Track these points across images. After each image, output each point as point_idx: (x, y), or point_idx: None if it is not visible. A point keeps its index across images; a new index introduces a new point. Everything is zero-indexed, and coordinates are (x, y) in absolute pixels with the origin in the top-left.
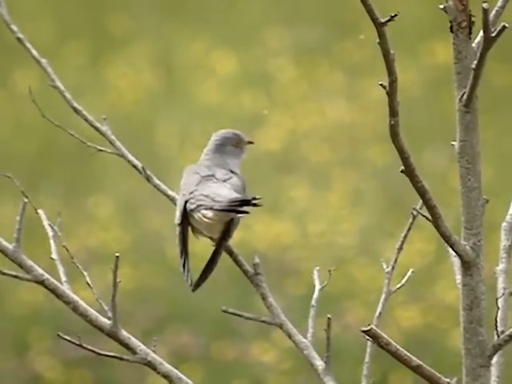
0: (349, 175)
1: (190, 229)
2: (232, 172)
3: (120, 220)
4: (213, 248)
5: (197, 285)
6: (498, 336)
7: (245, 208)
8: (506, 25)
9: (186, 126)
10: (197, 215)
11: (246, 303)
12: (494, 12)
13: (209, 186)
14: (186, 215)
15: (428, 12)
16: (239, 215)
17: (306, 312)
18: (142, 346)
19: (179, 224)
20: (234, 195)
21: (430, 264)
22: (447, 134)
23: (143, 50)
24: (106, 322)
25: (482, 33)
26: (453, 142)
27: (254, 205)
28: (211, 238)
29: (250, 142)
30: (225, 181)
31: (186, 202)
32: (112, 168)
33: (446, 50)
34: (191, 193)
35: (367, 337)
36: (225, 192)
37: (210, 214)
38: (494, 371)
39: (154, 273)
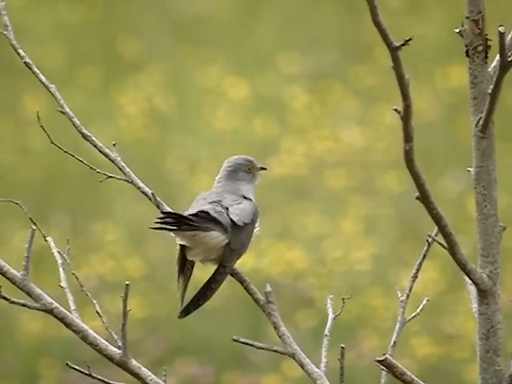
0: (363, 201)
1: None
2: (245, 198)
3: (130, 248)
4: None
5: (185, 311)
6: None
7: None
8: None
9: (197, 152)
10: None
11: (258, 332)
12: (510, 36)
13: (201, 208)
14: None
15: (444, 36)
16: (193, 233)
17: (319, 341)
18: (153, 376)
19: (180, 248)
20: (199, 214)
21: (444, 292)
22: (463, 159)
23: (155, 75)
24: (115, 351)
25: (498, 57)
26: (469, 168)
27: (181, 223)
28: (212, 264)
29: (263, 168)
30: (231, 206)
31: None
32: (122, 195)
33: (461, 74)
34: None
35: (382, 367)
36: (187, 212)
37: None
38: None
39: (165, 301)
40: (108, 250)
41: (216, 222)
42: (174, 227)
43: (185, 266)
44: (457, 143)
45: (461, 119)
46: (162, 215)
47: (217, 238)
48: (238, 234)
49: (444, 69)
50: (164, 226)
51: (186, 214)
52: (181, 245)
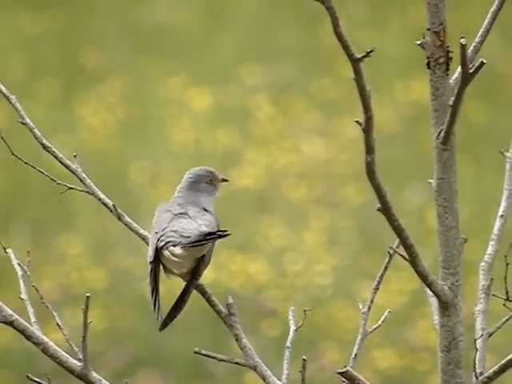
0: (325, 213)
1: (162, 267)
2: (205, 210)
3: (91, 259)
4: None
5: (164, 324)
6: (477, 378)
7: (211, 239)
8: (484, 61)
9: (159, 164)
10: (165, 252)
11: (220, 344)
12: (471, 47)
13: (179, 223)
14: (157, 253)
15: (404, 48)
16: (204, 247)
17: (282, 353)
18: None
19: (151, 262)
20: (202, 229)
21: (408, 304)
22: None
23: (116, 86)
24: (76, 363)
25: (459, 69)
26: (430, 180)
27: (220, 236)
28: (182, 277)
29: (225, 180)
30: (198, 218)
31: (158, 239)
32: (83, 206)
33: (423, 86)
34: (163, 230)
35: (343, 379)
36: (192, 226)
37: (177, 250)
38: None
39: (126, 313)
40: (70, 262)
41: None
42: (201, 244)
43: (157, 281)
44: (418, 155)
45: (422, 131)
46: (201, 236)
47: (205, 249)
48: (210, 247)
49: (405, 81)
50: (203, 242)
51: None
52: (154, 260)
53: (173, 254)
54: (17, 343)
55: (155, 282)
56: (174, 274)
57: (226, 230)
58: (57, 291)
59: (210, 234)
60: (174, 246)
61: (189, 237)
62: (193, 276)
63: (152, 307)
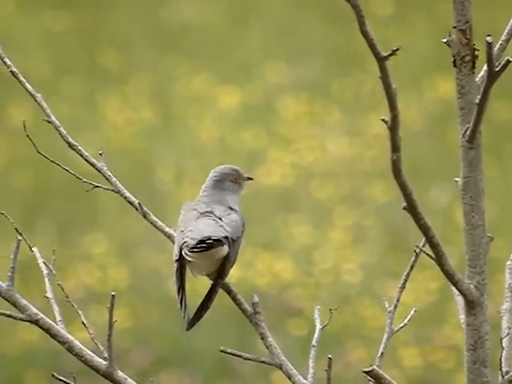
0: (350, 212)
1: (187, 266)
2: (231, 209)
3: (117, 258)
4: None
5: (191, 324)
6: (503, 377)
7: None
8: (511, 59)
9: (184, 162)
10: (183, 252)
11: (246, 343)
12: (498, 46)
13: (202, 223)
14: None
15: (431, 46)
16: (213, 251)
17: (307, 352)
18: None
19: (177, 260)
20: (207, 234)
21: (435, 303)
22: (451, 170)
23: (141, 85)
24: (101, 362)
25: (485, 67)
26: (456, 179)
27: (219, 241)
28: (208, 276)
29: (250, 178)
30: (223, 217)
31: (182, 238)
32: (108, 204)
33: (449, 84)
34: (186, 229)
35: (369, 377)
36: (212, 228)
37: (189, 253)
38: None
39: (152, 312)
40: (95, 261)
41: (225, 237)
42: (207, 249)
43: (183, 281)
44: (444, 153)
45: (448, 129)
46: (196, 244)
47: (225, 251)
48: (234, 245)
49: (431, 79)
50: (198, 249)
51: (207, 234)
52: (179, 259)
53: (187, 255)
54: (43, 342)
55: (181, 280)
56: (200, 272)
57: (219, 240)
58: (82, 290)
59: (210, 239)
60: (188, 248)
61: (194, 239)
62: (219, 275)
63: (178, 306)
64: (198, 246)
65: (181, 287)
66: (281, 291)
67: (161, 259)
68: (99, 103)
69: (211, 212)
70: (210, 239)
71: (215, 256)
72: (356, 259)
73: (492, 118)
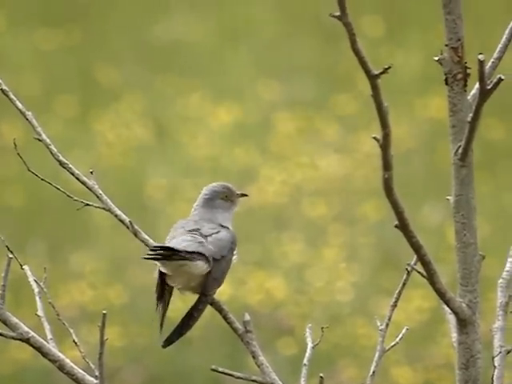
0: (343, 230)
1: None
2: (222, 226)
3: (108, 276)
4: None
5: (169, 341)
6: None
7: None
8: (503, 77)
9: (176, 180)
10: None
11: (238, 362)
12: (489, 64)
13: (182, 239)
14: None
15: (422, 65)
16: (180, 263)
17: (299, 370)
18: None
19: (158, 277)
20: (173, 245)
21: (427, 322)
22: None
23: (133, 103)
24: (92, 381)
25: (477, 85)
26: (448, 197)
27: (181, 253)
28: (195, 292)
29: (244, 195)
30: (210, 236)
31: None
32: (100, 223)
33: (441, 102)
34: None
35: None
36: (178, 243)
37: (159, 264)
38: None
39: (144, 330)
40: (87, 279)
41: (200, 253)
42: (165, 259)
43: (164, 294)
44: (436, 172)
45: (440, 148)
46: (153, 248)
47: (201, 267)
48: (219, 263)
49: (423, 98)
50: (155, 257)
51: (172, 245)
52: (160, 272)
53: (160, 267)
54: (34, 360)
55: (162, 295)
56: (185, 289)
57: (177, 250)
58: (74, 308)
59: (166, 248)
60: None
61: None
62: (202, 293)
63: (158, 324)
64: (153, 252)
65: (161, 302)
66: (273, 309)
67: (152, 277)
68: (91, 121)
69: (198, 230)
70: (171, 249)
71: (186, 270)
72: (348, 277)
73: (484, 136)
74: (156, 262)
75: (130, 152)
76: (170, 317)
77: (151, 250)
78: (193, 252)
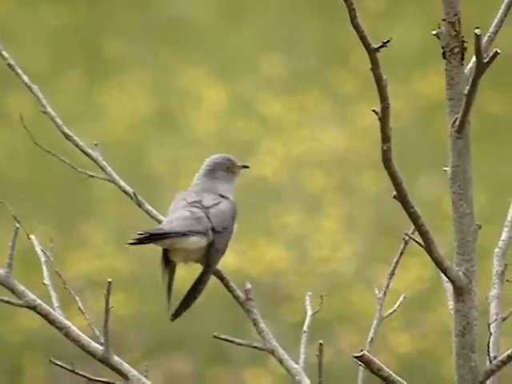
0: (342, 201)
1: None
2: (222, 196)
3: (113, 246)
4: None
5: (176, 314)
6: (491, 362)
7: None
8: (499, 51)
9: (180, 152)
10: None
11: (240, 329)
12: (486, 38)
13: (179, 215)
14: None
15: (422, 38)
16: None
17: (299, 337)
18: (134, 372)
19: (163, 250)
20: (166, 228)
21: (427, 290)
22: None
23: (137, 77)
24: (98, 347)
25: (474, 59)
26: (445, 168)
27: (156, 238)
28: (200, 264)
29: (245, 167)
30: (211, 206)
31: None
32: (106, 194)
33: (438, 76)
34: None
35: (359, 362)
36: (173, 223)
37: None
38: None
39: (148, 298)
40: (93, 249)
41: (194, 228)
42: (151, 241)
43: (168, 267)
44: (434, 144)
45: (438, 120)
46: (136, 236)
47: (197, 242)
48: (221, 234)
49: (421, 71)
50: (140, 241)
51: (163, 223)
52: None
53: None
54: (41, 328)
55: (165, 268)
56: (190, 261)
57: (156, 234)
58: (80, 277)
59: (149, 233)
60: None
61: (145, 232)
62: (206, 264)
63: (164, 297)
64: (137, 238)
65: (166, 275)
66: (274, 279)
67: (156, 247)
68: (97, 94)
69: (199, 201)
70: (156, 234)
71: (181, 247)
72: (348, 247)
73: (482, 108)
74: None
75: (134, 125)
76: (176, 287)
77: (134, 238)
78: (182, 229)
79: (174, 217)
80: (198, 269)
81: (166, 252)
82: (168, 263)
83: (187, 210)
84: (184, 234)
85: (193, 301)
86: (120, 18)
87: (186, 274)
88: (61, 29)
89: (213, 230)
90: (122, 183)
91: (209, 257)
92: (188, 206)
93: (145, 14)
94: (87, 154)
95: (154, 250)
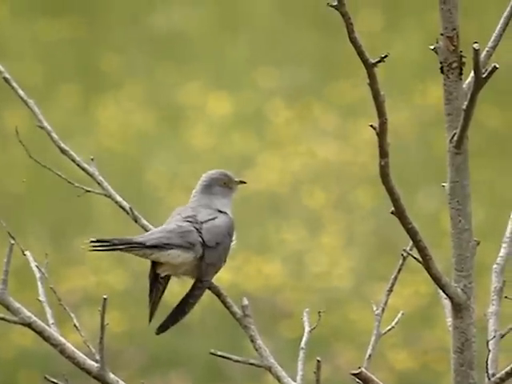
0: (340, 217)
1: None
2: (220, 212)
3: (109, 262)
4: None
5: (163, 327)
6: (489, 379)
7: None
8: (497, 65)
9: (176, 167)
10: None
11: (237, 346)
12: (484, 53)
13: (166, 227)
14: None
15: (420, 53)
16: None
17: (297, 354)
18: None
19: (151, 263)
20: (137, 238)
21: (425, 306)
22: (439, 175)
23: (134, 91)
24: (93, 364)
25: (472, 73)
26: (443, 184)
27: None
28: (193, 279)
29: (242, 182)
30: (205, 221)
31: None
32: (101, 209)
33: (437, 91)
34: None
35: (357, 380)
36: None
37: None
38: None
39: (144, 315)
40: (88, 265)
41: (173, 241)
42: (111, 248)
43: (156, 281)
44: (432, 159)
45: (436, 135)
46: (92, 240)
47: (177, 256)
48: (213, 249)
49: (420, 86)
50: (97, 248)
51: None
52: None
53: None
54: (36, 345)
55: (153, 282)
56: (182, 275)
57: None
58: (75, 293)
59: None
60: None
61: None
62: (197, 279)
63: (148, 307)
64: (102, 242)
65: (153, 288)
66: (271, 295)
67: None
68: (93, 109)
69: (194, 216)
70: (122, 242)
71: (164, 259)
72: (345, 263)
73: (481, 123)
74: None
75: (131, 140)
76: (168, 301)
77: (91, 241)
78: (159, 244)
79: (158, 230)
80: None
81: (154, 265)
82: (156, 276)
83: (176, 224)
84: (161, 247)
85: (182, 315)
86: (116, 33)
87: (180, 289)
88: (57, 43)
89: (204, 244)
90: (119, 198)
91: (200, 271)
92: (179, 221)
93: (140, 28)
94: (83, 169)
95: (149, 265)
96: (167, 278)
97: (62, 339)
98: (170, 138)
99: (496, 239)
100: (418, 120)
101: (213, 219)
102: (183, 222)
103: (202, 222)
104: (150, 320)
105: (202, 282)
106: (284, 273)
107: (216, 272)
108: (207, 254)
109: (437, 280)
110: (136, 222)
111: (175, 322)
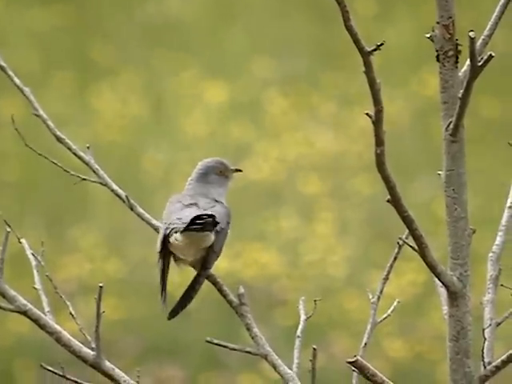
0: (336, 205)
1: (172, 258)
2: (216, 201)
3: (105, 250)
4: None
5: (174, 313)
6: (485, 367)
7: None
8: (493, 54)
9: (172, 155)
10: (171, 239)
11: (233, 334)
12: (480, 41)
13: (189, 211)
14: (166, 243)
15: (416, 41)
16: (204, 234)
17: (293, 343)
18: (126, 377)
19: (159, 252)
20: (198, 213)
21: (421, 295)
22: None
23: (130, 80)
24: (89, 352)
25: (468, 62)
26: (439, 172)
27: (215, 222)
28: (194, 267)
29: (238, 170)
30: (207, 209)
31: (166, 228)
32: (97, 197)
33: (433, 79)
34: (171, 219)
35: (353, 368)
36: (192, 212)
37: (178, 236)
38: None
39: (140, 303)
40: (84, 253)
41: (212, 224)
42: (200, 228)
43: (165, 273)
44: (429, 147)
45: (432, 123)
46: (190, 222)
47: (211, 239)
48: (219, 237)
49: (416, 74)
50: (192, 227)
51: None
52: (163, 246)
53: (176, 240)
54: (32, 333)
55: (163, 271)
56: (185, 263)
57: (212, 216)
58: (71, 282)
59: (198, 217)
60: (176, 232)
61: (185, 222)
62: (203, 266)
63: (159, 297)
64: (195, 224)
65: (162, 279)
66: (267, 283)
67: (149, 251)
68: (88, 97)
69: (195, 204)
70: (202, 216)
71: (203, 241)
72: (342, 251)
73: (477, 112)
74: (176, 235)
75: (127, 128)
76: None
77: (195, 219)
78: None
79: (189, 213)
80: (189, 274)
81: (165, 255)
82: (165, 266)
83: (190, 209)
84: (210, 228)
85: (189, 301)
86: (111, 21)
87: (179, 279)
88: (51, 32)
89: (217, 231)
90: (115, 186)
91: (207, 258)
92: (186, 208)
93: (136, 16)
94: (79, 157)
95: (146, 253)
96: (168, 267)
97: (58, 327)
98: (166, 127)
99: (492, 227)
100: (414, 108)
101: (213, 207)
102: (196, 208)
103: (205, 210)
104: (165, 306)
105: (206, 270)
106: (280, 261)
107: (216, 259)
108: (215, 242)
109: (432, 268)
110: (132, 209)
111: (184, 308)
